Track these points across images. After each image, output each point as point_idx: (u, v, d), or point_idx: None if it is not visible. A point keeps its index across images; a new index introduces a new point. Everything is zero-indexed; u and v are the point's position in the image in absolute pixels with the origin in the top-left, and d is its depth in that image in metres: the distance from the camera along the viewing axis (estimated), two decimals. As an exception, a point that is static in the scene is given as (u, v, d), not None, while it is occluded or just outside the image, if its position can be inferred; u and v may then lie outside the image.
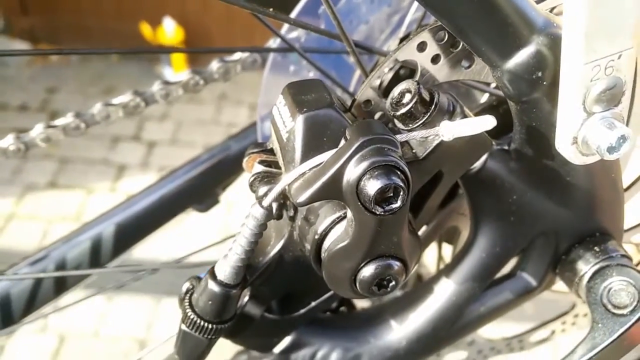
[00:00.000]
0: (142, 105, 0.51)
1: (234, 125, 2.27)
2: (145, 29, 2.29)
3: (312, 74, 0.48)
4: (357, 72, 0.47)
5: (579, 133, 0.25)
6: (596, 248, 0.33)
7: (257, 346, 0.35)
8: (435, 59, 0.30)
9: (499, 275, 0.36)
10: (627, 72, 0.23)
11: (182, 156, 2.16)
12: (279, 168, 0.30)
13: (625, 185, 0.36)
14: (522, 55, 0.25)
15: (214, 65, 0.51)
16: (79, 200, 1.98)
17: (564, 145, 0.25)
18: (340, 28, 0.34)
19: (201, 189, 0.57)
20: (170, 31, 2.28)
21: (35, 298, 0.52)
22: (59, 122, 0.53)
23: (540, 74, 0.24)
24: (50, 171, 2.06)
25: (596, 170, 0.31)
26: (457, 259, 0.35)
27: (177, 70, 2.35)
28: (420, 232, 0.37)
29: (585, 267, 0.33)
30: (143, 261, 0.96)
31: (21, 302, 0.52)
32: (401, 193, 0.24)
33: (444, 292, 0.35)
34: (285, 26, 0.47)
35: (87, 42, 2.36)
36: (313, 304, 0.34)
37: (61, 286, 0.52)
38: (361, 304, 0.40)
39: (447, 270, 0.35)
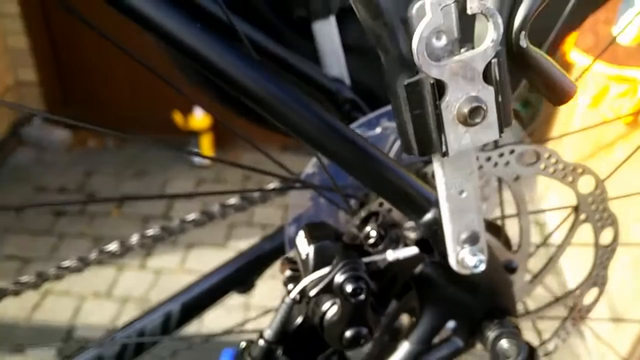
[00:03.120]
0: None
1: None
2: (178, 116, 2.63)
3: (322, 199, 0.75)
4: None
5: (458, 258, 0.50)
6: (496, 321, 0.58)
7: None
8: (389, 210, 0.57)
9: (440, 338, 0.60)
10: (479, 228, 0.49)
11: (207, 233, 2.48)
12: (300, 273, 0.56)
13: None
14: (426, 218, 0.51)
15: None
16: (111, 277, 2.22)
17: (453, 264, 0.51)
18: (334, 182, 0.61)
19: (243, 277, 0.83)
20: (199, 118, 2.62)
21: (122, 358, 0.77)
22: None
23: (436, 227, 0.51)
24: (84, 248, 2.34)
25: (487, 273, 0.56)
26: (411, 328, 0.60)
27: (205, 154, 2.66)
28: (391, 308, 0.62)
29: (490, 333, 0.58)
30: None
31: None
32: (363, 291, 0.50)
33: (403, 350, 0.59)
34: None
35: (123, 130, 2.72)
36: (320, 357, 0.59)
37: (140, 349, 0.77)
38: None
39: (405, 335, 0.60)
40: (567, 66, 1.96)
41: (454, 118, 0.41)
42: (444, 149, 0.41)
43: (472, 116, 0.40)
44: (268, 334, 0.54)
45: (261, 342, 0.54)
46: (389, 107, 0.71)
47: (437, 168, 0.46)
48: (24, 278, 0.81)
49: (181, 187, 2.54)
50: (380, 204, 0.57)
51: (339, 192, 0.61)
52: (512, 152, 0.57)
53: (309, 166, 0.73)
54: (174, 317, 0.79)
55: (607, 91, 1.95)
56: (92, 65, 2.63)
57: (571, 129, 2.13)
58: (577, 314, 0.70)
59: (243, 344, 0.57)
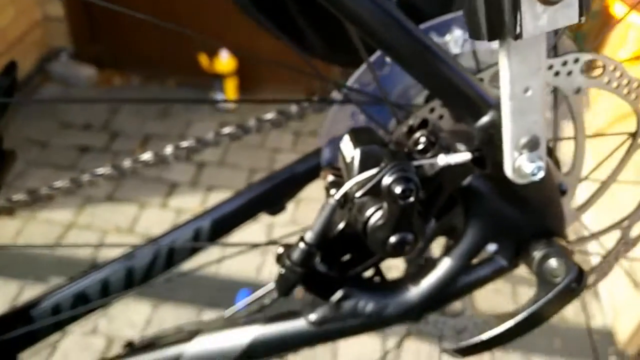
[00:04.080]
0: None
1: (279, 150, 2.54)
2: (203, 58, 2.59)
3: (362, 117, 0.72)
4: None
5: (515, 164, 0.47)
6: (544, 241, 0.55)
7: (321, 295, 0.58)
8: (440, 117, 0.54)
9: (482, 257, 0.58)
10: (541, 132, 0.46)
11: (228, 176, 2.51)
12: (343, 179, 0.54)
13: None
14: (482, 121, 0.48)
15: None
16: (133, 214, 2.24)
17: (509, 171, 0.48)
18: (382, 91, 0.58)
19: (273, 198, 0.81)
20: (224, 61, 2.58)
21: (152, 269, 0.76)
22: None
23: (492, 131, 0.48)
24: (107, 186, 2.35)
25: (540, 189, 0.53)
26: (453, 244, 0.57)
27: (229, 97, 2.64)
28: (432, 224, 0.60)
29: (537, 253, 0.55)
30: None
31: (141, 272, 0.76)
32: (413, 192, 0.47)
33: (443, 266, 0.57)
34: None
35: (149, 69, 2.69)
36: (359, 268, 0.57)
37: (171, 260, 0.77)
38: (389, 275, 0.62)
39: (446, 252, 0.58)
40: (609, 18, 1.87)
41: (533, -6, 0.37)
42: (517, 30, 0.38)
43: (555, -8, 0.36)
44: (309, 236, 0.52)
45: (301, 244, 0.52)
46: (437, 20, 0.67)
47: (503, 59, 0.42)
48: (17, 196, 0.79)
49: (204, 129, 2.52)
50: (431, 110, 0.54)
51: (387, 103, 0.58)
52: (576, 60, 0.53)
53: (350, 80, 0.70)
54: (204, 233, 0.78)
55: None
56: (120, 2, 2.59)
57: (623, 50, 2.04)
58: (622, 247, 0.67)
59: (281, 249, 0.55)
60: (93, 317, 0.78)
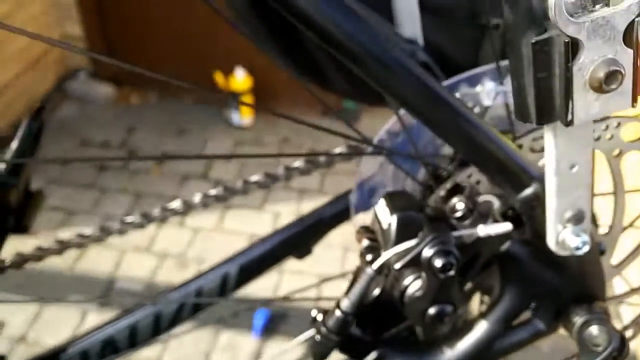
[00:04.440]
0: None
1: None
2: (219, 76, 2.60)
3: (390, 167, 0.71)
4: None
5: (559, 238, 0.46)
6: (584, 306, 0.54)
7: (354, 357, 0.57)
8: (477, 182, 0.53)
9: (519, 320, 0.57)
10: (586, 206, 0.45)
11: (246, 201, 2.45)
12: (377, 242, 0.53)
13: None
14: (525, 194, 0.47)
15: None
16: (150, 233, 2.24)
17: (552, 244, 0.47)
18: (415, 147, 0.57)
19: (300, 242, 0.80)
20: (240, 79, 2.58)
21: (180, 316, 0.76)
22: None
23: (535, 204, 0.46)
24: (125, 203, 2.36)
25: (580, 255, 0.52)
26: (490, 307, 0.56)
27: (244, 116, 2.64)
28: (468, 286, 0.59)
29: (577, 318, 0.54)
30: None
31: (169, 319, 0.76)
32: (454, 266, 0.46)
33: (480, 329, 0.56)
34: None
35: (166, 86, 2.71)
36: (394, 330, 0.56)
37: (198, 307, 0.76)
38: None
39: (483, 315, 0.56)
40: None
41: (586, 83, 0.36)
42: (569, 117, 0.37)
43: (608, 82, 0.35)
44: (346, 304, 0.51)
45: (338, 312, 0.51)
46: (469, 72, 0.66)
47: (549, 138, 0.41)
48: (66, 236, 0.79)
49: (220, 146, 2.52)
50: (469, 176, 0.53)
51: (421, 159, 0.57)
52: (618, 125, 0.52)
53: (381, 132, 0.69)
54: (231, 278, 0.78)
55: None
56: (137, 21, 2.61)
57: None
58: (660, 302, 0.66)
59: (315, 313, 0.54)
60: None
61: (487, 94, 0.66)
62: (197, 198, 0.77)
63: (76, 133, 2.58)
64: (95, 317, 1.85)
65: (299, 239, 0.80)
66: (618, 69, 0.35)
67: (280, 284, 2.00)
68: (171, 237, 2.19)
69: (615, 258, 0.61)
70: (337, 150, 0.73)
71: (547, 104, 0.37)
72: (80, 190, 2.36)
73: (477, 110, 0.66)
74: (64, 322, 1.85)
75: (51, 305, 1.94)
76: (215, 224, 2.24)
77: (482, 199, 0.54)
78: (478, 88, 0.67)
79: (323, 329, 0.51)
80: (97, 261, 2.10)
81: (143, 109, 2.73)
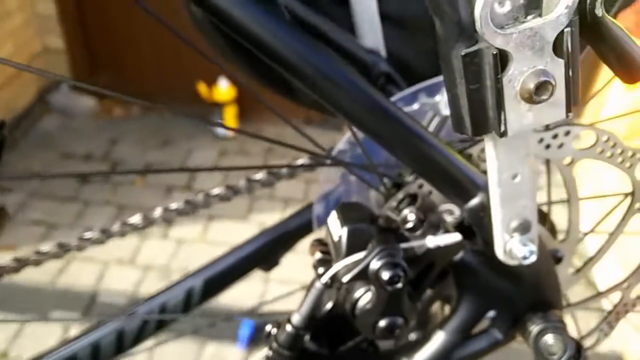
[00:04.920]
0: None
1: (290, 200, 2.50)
2: (202, 87, 2.60)
3: (353, 178, 0.70)
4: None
5: (506, 247, 0.46)
6: (540, 314, 0.54)
7: (312, 372, 0.56)
8: (430, 192, 0.52)
9: (477, 330, 0.56)
10: (532, 216, 0.45)
11: (228, 205, 2.44)
12: (331, 256, 0.52)
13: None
14: (472, 204, 0.47)
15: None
16: (134, 245, 2.23)
17: (500, 254, 0.46)
18: (368, 158, 0.57)
19: (267, 255, 0.79)
20: (224, 90, 2.58)
21: (144, 332, 0.75)
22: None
23: (482, 214, 0.46)
24: (108, 216, 2.34)
25: (534, 263, 0.52)
26: (447, 317, 0.55)
27: (228, 125, 2.62)
28: (426, 296, 0.58)
29: (533, 327, 0.53)
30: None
31: (132, 335, 0.75)
32: (401, 279, 0.46)
33: (438, 340, 0.55)
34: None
35: (148, 98, 2.70)
36: (350, 343, 0.55)
37: (162, 324, 0.75)
38: (384, 346, 0.60)
39: (441, 325, 0.56)
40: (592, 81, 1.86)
41: (517, 94, 0.36)
42: (502, 128, 0.36)
43: (539, 92, 0.35)
44: (296, 319, 0.50)
45: (289, 327, 0.50)
46: (428, 82, 0.66)
47: (489, 149, 0.41)
48: (46, 248, 0.78)
49: (204, 158, 2.52)
50: (420, 186, 0.53)
51: (374, 171, 0.57)
52: (567, 133, 0.51)
53: (341, 142, 0.69)
54: (196, 293, 0.77)
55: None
56: (119, 33, 2.60)
57: (605, 110, 2.03)
58: (622, 308, 0.65)
59: (269, 327, 0.53)
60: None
61: (446, 103, 0.66)
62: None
63: (58, 145, 2.56)
64: (78, 332, 1.83)
65: (265, 252, 0.79)
66: (548, 79, 0.35)
67: (265, 293, 1.99)
68: (155, 249, 2.17)
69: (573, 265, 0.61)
70: (300, 162, 0.72)
71: (480, 115, 0.37)
72: (62, 203, 2.33)
73: (436, 119, 0.66)
74: (46, 338, 1.82)
75: (33, 321, 1.92)
76: (199, 235, 2.22)
77: (441, 208, 0.54)
78: (437, 97, 0.67)
79: (274, 345, 0.51)
80: (80, 275, 2.08)
81: (126, 121, 2.72)
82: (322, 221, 0.73)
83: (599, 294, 0.65)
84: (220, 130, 2.61)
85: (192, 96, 2.57)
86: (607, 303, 0.68)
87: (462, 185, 0.46)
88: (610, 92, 1.77)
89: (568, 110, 0.37)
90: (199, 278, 0.77)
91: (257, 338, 1.87)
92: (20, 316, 1.93)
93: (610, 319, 0.66)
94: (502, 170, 0.42)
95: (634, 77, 0.39)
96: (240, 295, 1.86)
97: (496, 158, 0.41)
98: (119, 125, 2.70)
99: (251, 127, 2.66)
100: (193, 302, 0.76)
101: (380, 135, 0.45)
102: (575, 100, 0.37)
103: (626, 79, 0.39)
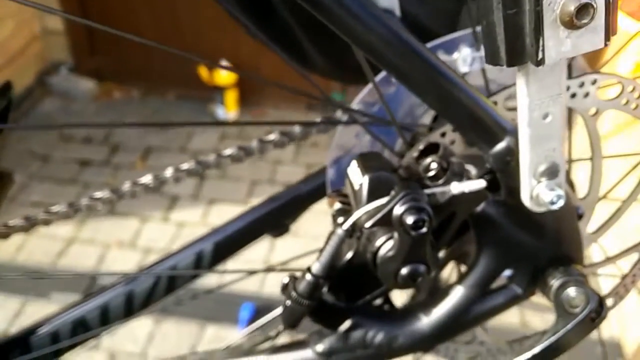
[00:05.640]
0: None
1: (280, 162, 2.51)
2: (203, 71, 2.57)
3: (368, 137, 0.69)
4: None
5: (533, 193, 0.45)
6: (561, 268, 0.53)
7: (328, 325, 0.55)
8: (452, 142, 0.51)
9: (496, 285, 0.55)
10: (560, 160, 0.44)
11: (229, 189, 2.47)
12: (350, 206, 0.51)
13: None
14: (498, 148, 0.45)
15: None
16: (134, 228, 2.21)
17: (526, 200, 0.45)
18: (390, 113, 0.55)
19: (276, 220, 0.78)
20: (225, 73, 2.56)
21: (153, 294, 0.73)
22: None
23: (509, 158, 0.45)
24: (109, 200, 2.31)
25: (557, 215, 0.51)
26: (466, 272, 0.54)
27: (229, 110, 2.61)
28: (443, 252, 0.57)
29: (554, 281, 0.52)
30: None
31: (142, 297, 0.73)
32: (426, 223, 0.45)
33: (456, 295, 0.54)
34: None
35: (149, 82, 2.67)
36: (368, 297, 0.54)
37: (172, 285, 0.74)
38: (399, 303, 0.59)
39: (458, 280, 0.55)
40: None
41: (557, 18, 0.34)
42: (539, 55, 0.35)
43: (580, 16, 0.34)
44: (316, 267, 0.49)
45: (308, 276, 0.49)
46: (445, 38, 0.65)
47: (521, 85, 0.40)
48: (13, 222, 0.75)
49: (205, 141, 2.50)
50: (443, 135, 0.51)
51: (395, 124, 0.56)
52: (594, 82, 0.50)
53: (355, 101, 0.68)
54: (206, 256, 0.75)
55: (651, 59, 1.84)
56: (119, 14, 2.57)
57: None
58: (638, 271, 0.64)
59: (286, 279, 0.52)
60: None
61: (464, 60, 0.65)
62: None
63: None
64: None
65: (275, 217, 0.78)
66: (589, 1, 0.34)
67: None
68: (155, 232, 2.16)
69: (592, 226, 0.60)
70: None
71: (517, 42, 0.36)
72: (62, 185, 2.31)
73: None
74: (45, 317, 1.81)
75: (33, 301, 1.90)
76: (200, 218, 2.21)
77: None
78: (455, 55, 0.65)
79: (293, 294, 0.49)
80: (80, 257, 2.06)
81: (126, 104, 2.69)
82: (335, 185, 0.72)
83: (616, 256, 0.64)
84: (221, 114, 2.59)
85: (193, 80, 2.55)
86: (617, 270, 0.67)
87: (489, 128, 0.45)
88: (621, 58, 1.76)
89: (607, 38, 0.35)
90: (210, 241, 0.75)
91: (257, 320, 1.87)
92: (22, 297, 1.91)
93: (627, 282, 0.65)
94: (534, 109, 0.41)
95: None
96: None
97: (528, 94, 0.40)
98: (119, 108, 2.67)
99: (252, 111, 2.64)
100: (203, 265, 0.75)
101: (404, 73, 0.43)
102: (614, 29, 0.36)
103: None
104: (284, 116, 2.55)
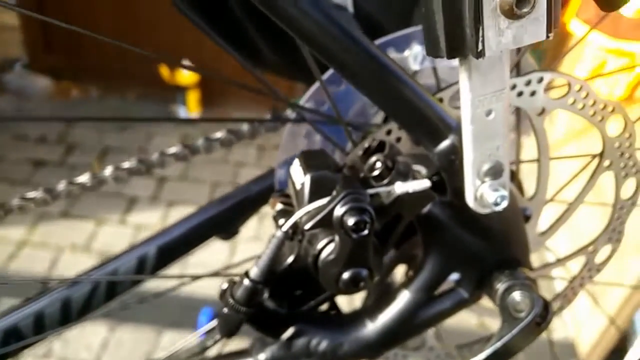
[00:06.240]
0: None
1: (242, 164, 2.46)
2: (164, 70, 2.51)
3: (318, 137, 0.66)
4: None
5: (477, 193, 0.43)
6: (507, 272, 0.51)
7: (270, 333, 0.52)
8: (398, 140, 0.49)
9: (443, 289, 0.53)
10: (504, 159, 0.42)
11: (190, 191, 2.40)
12: (293, 207, 0.48)
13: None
14: (442, 146, 0.43)
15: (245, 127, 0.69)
16: (90, 230, 2.13)
17: (470, 200, 0.43)
18: (336, 110, 0.53)
19: (226, 221, 0.75)
20: (186, 73, 2.50)
21: (92, 301, 0.69)
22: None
23: (453, 157, 0.43)
24: (63, 201, 2.23)
25: (503, 217, 0.49)
26: (412, 276, 0.52)
27: (191, 111, 2.56)
28: (390, 255, 0.55)
29: (500, 285, 0.51)
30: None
31: (79, 304, 0.69)
32: (367, 225, 0.42)
33: (402, 300, 0.52)
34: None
35: (108, 81, 2.58)
36: (312, 303, 0.51)
37: (112, 292, 0.69)
38: (345, 308, 0.57)
39: (405, 284, 0.53)
40: (566, 36, 1.88)
41: (496, 7, 0.32)
42: (479, 47, 0.33)
43: (520, 4, 0.32)
44: (254, 272, 0.46)
45: (246, 281, 0.46)
46: (396, 34, 0.63)
47: (463, 79, 0.38)
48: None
49: (165, 142, 2.43)
50: (388, 132, 0.49)
51: (342, 123, 0.53)
52: (540, 80, 0.49)
53: (304, 99, 0.65)
54: (149, 260, 0.71)
55: (604, 65, 1.87)
56: (77, 10, 2.48)
57: (580, 64, 2.02)
58: (586, 273, 0.63)
59: (225, 285, 0.49)
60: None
61: (415, 57, 0.63)
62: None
63: (11, 127, 2.43)
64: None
65: (223, 218, 0.75)
66: (529, -10, 0.32)
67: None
68: (111, 235, 2.08)
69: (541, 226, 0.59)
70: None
71: (457, 32, 0.34)
72: (15, 186, 2.21)
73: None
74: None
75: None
76: (159, 220, 2.14)
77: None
78: (406, 52, 0.64)
79: (230, 301, 0.46)
80: (32, 260, 1.97)
81: (83, 103, 2.60)
82: (284, 186, 0.69)
83: (564, 258, 0.63)
84: (183, 114, 2.53)
85: (154, 79, 2.48)
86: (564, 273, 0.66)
87: (433, 126, 0.43)
88: (585, 48, 1.78)
89: (549, 29, 0.34)
90: (153, 245, 0.71)
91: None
92: (-34, 303, 1.81)
93: (574, 285, 0.64)
94: (477, 105, 0.39)
95: (611, 5, 0.37)
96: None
97: (470, 89, 0.38)
98: (76, 108, 2.58)
99: (214, 110, 2.59)
100: (146, 270, 0.71)
101: (348, 68, 0.41)
102: (556, 21, 0.34)
103: (604, 6, 0.37)
104: (246, 116, 2.51)
